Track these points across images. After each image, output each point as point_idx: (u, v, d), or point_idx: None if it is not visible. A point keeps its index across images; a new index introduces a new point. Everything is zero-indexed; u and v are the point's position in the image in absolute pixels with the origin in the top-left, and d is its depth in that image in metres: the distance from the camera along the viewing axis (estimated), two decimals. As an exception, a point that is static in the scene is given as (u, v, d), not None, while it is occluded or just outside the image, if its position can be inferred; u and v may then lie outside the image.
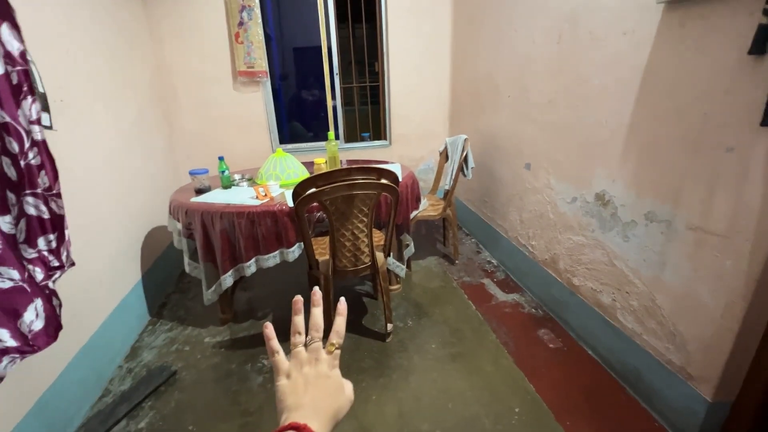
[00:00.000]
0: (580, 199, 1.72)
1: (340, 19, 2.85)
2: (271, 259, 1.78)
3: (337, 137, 3.05)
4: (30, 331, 0.84)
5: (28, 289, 0.85)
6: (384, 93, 3.10)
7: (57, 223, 1.13)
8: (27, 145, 1.06)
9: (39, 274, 1.00)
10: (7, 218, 0.84)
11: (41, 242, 1.07)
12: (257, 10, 2.46)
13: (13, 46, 1.04)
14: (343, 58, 2.98)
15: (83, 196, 1.62)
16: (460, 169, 2.32)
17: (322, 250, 1.85)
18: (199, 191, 1.97)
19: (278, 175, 2.03)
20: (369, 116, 3.34)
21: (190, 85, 2.60)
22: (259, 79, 2.61)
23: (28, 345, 0.83)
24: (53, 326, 0.90)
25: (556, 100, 1.83)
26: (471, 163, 2.32)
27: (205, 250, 1.80)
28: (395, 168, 2.22)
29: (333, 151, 2.06)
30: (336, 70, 2.88)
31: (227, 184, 2.02)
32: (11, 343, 0.80)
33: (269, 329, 0.47)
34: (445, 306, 2.12)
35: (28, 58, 1.20)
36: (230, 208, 1.71)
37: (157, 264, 2.29)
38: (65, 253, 1.14)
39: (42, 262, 1.04)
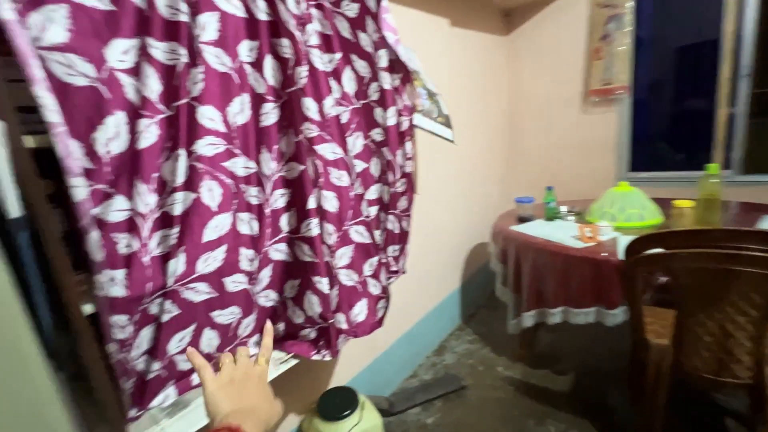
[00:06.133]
0: None
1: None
2: (583, 316, 1.49)
3: (726, 167, 2.12)
4: (353, 321, 1.10)
5: (360, 290, 1.12)
6: None
7: (403, 238, 1.42)
8: (398, 176, 1.38)
9: (383, 275, 1.30)
10: (361, 229, 1.14)
11: (389, 250, 1.39)
12: (629, 17, 2.09)
13: (409, 102, 1.36)
14: (762, 53, 2.00)
15: (424, 212, 1.97)
16: None
17: (659, 327, 1.34)
18: (521, 219, 1.94)
19: (614, 214, 1.65)
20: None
21: (536, 110, 2.61)
22: (615, 96, 2.23)
23: (352, 330, 1.10)
24: (370, 324, 1.14)
25: None
26: None
27: (515, 280, 1.76)
28: None
29: (710, 191, 1.43)
30: (744, 69, 1.98)
31: (551, 216, 1.87)
32: (344, 326, 1.08)
33: (192, 352, 0.53)
34: None
35: (433, 90, 1.55)
36: (545, 244, 1.57)
37: (475, 277, 2.50)
38: (402, 262, 1.43)
39: (386, 266, 1.35)
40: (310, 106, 0.97)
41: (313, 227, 0.98)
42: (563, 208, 1.94)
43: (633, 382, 1.58)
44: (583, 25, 2.28)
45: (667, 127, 3.17)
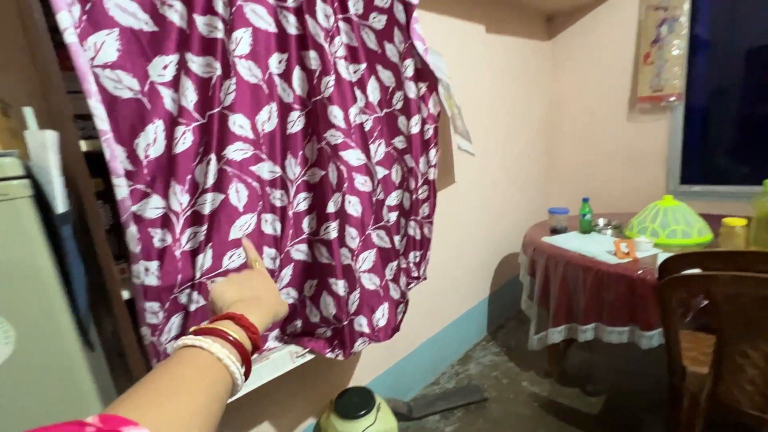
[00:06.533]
0: None
1: None
2: (616, 335, 1.42)
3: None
4: (376, 325, 1.12)
5: (381, 294, 1.14)
6: None
7: (424, 244, 1.43)
8: (420, 183, 1.39)
9: (402, 280, 1.31)
10: (382, 233, 1.16)
11: (410, 256, 1.40)
12: (684, 19, 1.95)
13: (434, 110, 1.37)
14: None
15: (456, 219, 1.96)
16: None
17: (698, 354, 1.24)
18: (554, 231, 1.87)
19: (656, 229, 1.55)
20: None
21: (578, 117, 2.50)
22: (666, 103, 2.09)
23: (374, 335, 1.12)
24: (391, 327, 1.16)
25: None
26: None
27: (542, 293, 1.70)
28: None
29: (767, 210, 1.30)
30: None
31: (586, 229, 1.79)
32: (366, 329, 1.10)
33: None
34: None
35: (457, 103, 1.55)
36: (576, 257, 1.50)
37: (505, 287, 2.43)
38: (423, 269, 1.43)
39: (406, 271, 1.36)
40: (336, 113, 1.02)
41: (332, 230, 1.03)
42: (601, 221, 1.85)
43: (671, 410, 1.47)
44: (632, 29, 2.16)
45: (727, 136, 2.90)
